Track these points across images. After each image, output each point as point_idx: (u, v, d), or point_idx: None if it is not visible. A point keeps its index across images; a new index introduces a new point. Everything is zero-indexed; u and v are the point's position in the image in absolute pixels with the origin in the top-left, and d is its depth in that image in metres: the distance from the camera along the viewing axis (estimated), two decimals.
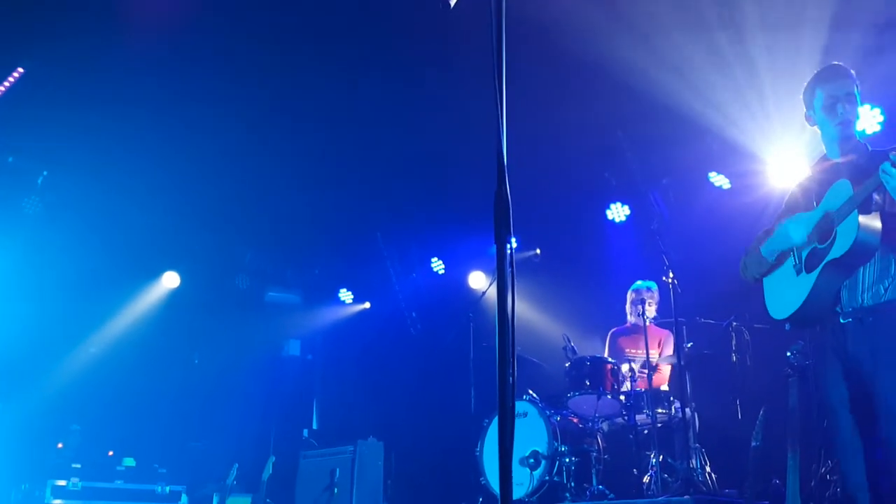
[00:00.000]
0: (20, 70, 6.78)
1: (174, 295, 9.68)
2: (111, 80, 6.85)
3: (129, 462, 7.86)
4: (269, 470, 7.65)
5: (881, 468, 3.11)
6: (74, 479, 7.30)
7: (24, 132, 7.62)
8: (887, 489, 3.07)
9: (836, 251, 3.23)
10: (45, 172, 8.23)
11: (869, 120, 6.00)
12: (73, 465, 7.44)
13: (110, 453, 8.02)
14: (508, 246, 1.99)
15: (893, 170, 3.01)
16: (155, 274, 9.57)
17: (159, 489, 7.73)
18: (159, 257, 9.50)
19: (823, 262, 3.28)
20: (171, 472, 7.93)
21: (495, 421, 6.47)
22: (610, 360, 6.44)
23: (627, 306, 6.91)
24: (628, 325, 6.93)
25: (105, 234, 8.66)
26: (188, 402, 9.44)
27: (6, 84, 6.85)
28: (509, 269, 1.94)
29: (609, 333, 7.04)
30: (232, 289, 10.13)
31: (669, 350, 6.58)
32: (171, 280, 9.66)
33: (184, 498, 7.81)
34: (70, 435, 7.80)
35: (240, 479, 7.86)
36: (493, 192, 2.04)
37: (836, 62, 3.60)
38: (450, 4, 2.07)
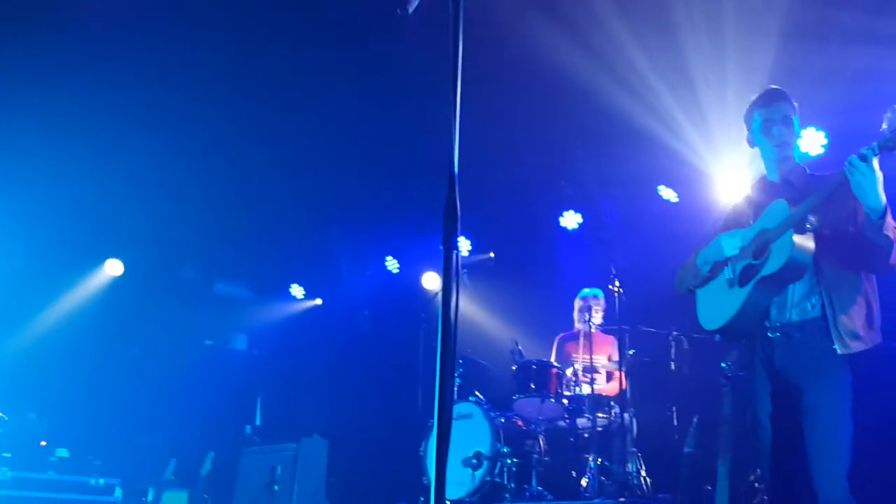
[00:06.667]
0: None
1: (116, 283, 9.50)
2: (60, 64, 6.73)
3: (63, 453, 7.66)
4: (207, 465, 7.55)
5: (809, 480, 3.20)
6: (3, 469, 7.11)
7: None
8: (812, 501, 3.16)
9: (770, 268, 3.32)
10: None
11: (813, 143, 6.11)
12: (3, 454, 7.25)
13: (43, 443, 7.81)
14: (455, 252, 2.00)
15: (861, 164, 3.04)
16: (97, 261, 9.38)
17: (93, 481, 7.52)
18: (102, 244, 9.31)
19: (756, 278, 3.38)
20: (106, 465, 7.75)
21: None
22: (555, 364, 6.52)
23: (575, 312, 7.01)
24: (575, 330, 7.01)
25: (48, 219, 8.47)
26: (127, 392, 9.24)
27: None
28: (455, 276, 1.96)
29: (556, 338, 7.13)
30: (177, 279, 9.96)
31: (617, 356, 6.69)
32: (114, 267, 9.48)
33: (118, 491, 7.62)
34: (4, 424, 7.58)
35: (178, 474, 7.73)
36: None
37: (774, 86, 3.70)
38: (408, 11, 2.09)
